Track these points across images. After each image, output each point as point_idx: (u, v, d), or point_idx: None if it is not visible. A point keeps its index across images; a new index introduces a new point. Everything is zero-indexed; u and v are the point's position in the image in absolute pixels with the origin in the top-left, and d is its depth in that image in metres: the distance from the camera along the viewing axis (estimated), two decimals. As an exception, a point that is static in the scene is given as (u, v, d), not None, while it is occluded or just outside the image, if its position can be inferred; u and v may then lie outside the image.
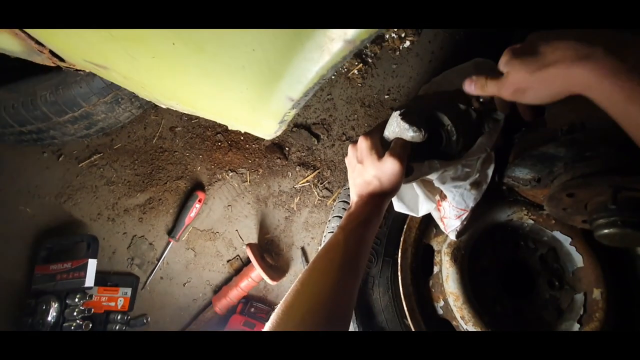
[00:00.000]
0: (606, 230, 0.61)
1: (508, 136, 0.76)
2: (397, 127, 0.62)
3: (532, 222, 0.88)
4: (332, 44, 0.38)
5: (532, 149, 0.67)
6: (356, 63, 1.33)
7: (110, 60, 0.53)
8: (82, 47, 0.53)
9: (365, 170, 0.61)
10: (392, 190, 0.60)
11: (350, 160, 0.65)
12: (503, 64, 0.54)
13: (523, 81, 0.51)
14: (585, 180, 0.63)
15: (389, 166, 0.58)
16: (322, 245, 0.59)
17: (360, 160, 0.62)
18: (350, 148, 0.65)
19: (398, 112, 0.62)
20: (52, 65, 0.67)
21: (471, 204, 0.77)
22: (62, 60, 0.63)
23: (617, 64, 0.43)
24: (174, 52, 0.43)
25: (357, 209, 0.61)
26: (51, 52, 0.62)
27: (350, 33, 0.37)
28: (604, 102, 0.44)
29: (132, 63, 0.49)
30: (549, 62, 0.47)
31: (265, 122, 0.55)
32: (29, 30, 0.55)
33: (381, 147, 0.62)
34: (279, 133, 0.59)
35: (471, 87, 0.58)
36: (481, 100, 0.64)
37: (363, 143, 0.61)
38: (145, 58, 0.47)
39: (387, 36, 1.35)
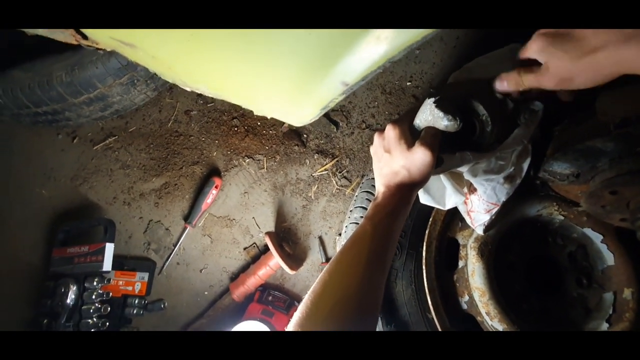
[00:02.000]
0: (651, 231, 0.59)
1: (546, 128, 0.73)
2: (429, 115, 0.59)
3: (562, 218, 0.85)
4: None
5: (576, 142, 0.64)
6: (378, 48, 1.27)
7: (139, 38, 0.49)
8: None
9: (393, 160, 0.58)
10: (421, 181, 0.58)
11: (376, 150, 0.62)
12: (537, 53, 0.50)
13: (568, 70, 0.48)
14: (633, 177, 0.60)
15: (420, 156, 0.55)
16: (350, 235, 0.58)
17: (388, 150, 0.59)
18: (376, 137, 0.62)
19: (432, 99, 0.58)
20: (75, 43, 0.64)
21: (503, 199, 0.74)
22: (85, 38, 0.60)
23: None
24: (214, 34, 0.40)
25: (384, 200, 0.58)
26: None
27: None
28: None
29: (163, 43, 0.46)
30: (595, 46, 0.44)
31: (304, 110, 0.52)
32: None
33: (410, 136, 0.59)
34: (313, 120, 0.56)
35: (503, 84, 0.56)
36: (520, 90, 0.61)
37: (391, 131, 0.59)
38: (180, 40, 0.44)
39: (412, 20, 1.29)
